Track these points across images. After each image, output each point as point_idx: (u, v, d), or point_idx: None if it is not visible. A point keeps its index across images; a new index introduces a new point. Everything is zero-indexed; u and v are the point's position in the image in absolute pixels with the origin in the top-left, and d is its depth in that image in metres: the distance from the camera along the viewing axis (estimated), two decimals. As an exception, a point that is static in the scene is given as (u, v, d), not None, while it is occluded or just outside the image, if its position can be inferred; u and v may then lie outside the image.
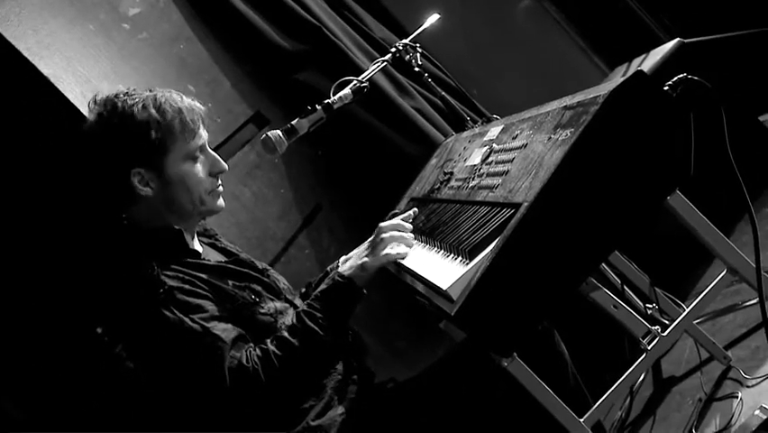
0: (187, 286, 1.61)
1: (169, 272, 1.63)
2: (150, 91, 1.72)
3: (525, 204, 1.40)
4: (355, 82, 2.14)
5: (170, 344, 1.57)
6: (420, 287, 1.66)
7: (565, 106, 1.54)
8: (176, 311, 1.57)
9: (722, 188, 1.74)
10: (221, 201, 1.80)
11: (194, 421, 1.65)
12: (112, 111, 1.68)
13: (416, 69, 2.36)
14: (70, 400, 2.37)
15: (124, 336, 1.69)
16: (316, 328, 1.62)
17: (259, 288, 1.77)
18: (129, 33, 2.57)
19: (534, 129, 1.63)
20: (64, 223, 2.37)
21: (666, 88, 1.45)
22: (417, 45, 2.36)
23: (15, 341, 2.36)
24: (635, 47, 3.20)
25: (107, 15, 2.57)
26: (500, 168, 1.67)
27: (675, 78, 1.46)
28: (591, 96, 1.45)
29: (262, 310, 1.71)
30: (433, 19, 2.45)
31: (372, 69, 2.25)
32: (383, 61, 2.29)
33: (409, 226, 1.82)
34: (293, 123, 1.99)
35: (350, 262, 1.77)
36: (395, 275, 1.84)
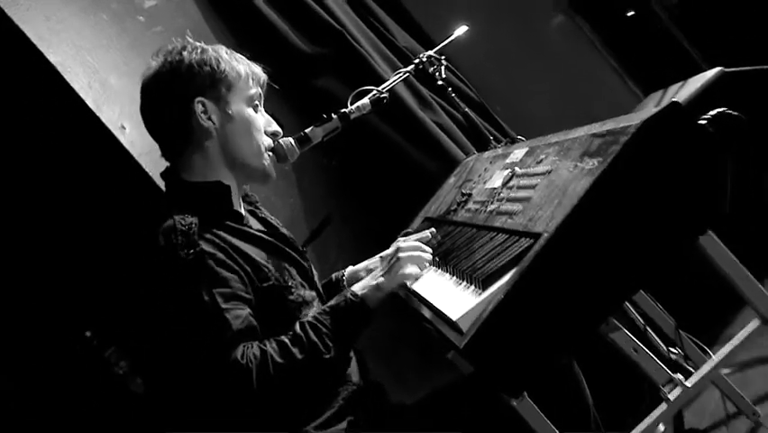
0: (220, 255, 1.60)
1: (207, 234, 1.63)
2: (209, 46, 1.81)
3: (546, 235, 1.38)
4: (375, 92, 2.14)
5: (178, 312, 1.56)
6: (428, 313, 1.64)
7: (594, 134, 1.53)
8: (198, 280, 1.56)
9: (758, 228, 1.72)
10: (273, 169, 1.85)
11: (181, 405, 1.67)
12: (180, 51, 1.75)
13: (440, 82, 2.36)
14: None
15: (142, 286, 1.71)
16: (320, 345, 1.59)
17: (294, 270, 1.78)
18: (144, 26, 2.60)
19: (561, 155, 1.62)
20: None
21: (703, 122, 1.43)
22: (442, 57, 2.36)
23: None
24: (672, 73, 3.18)
25: (121, 6, 2.60)
26: (522, 193, 1.66)
27: (714, 112, 1.44)
28: (622, 125, 1.43)
29: (291, 297, 1.71)
30: (461, 31, 2.45)
31: (394, 80, 2.25)
32: (405, 72, 2.29)
33: (429, 250, 1.82)
34: (307, 131, 1.98)
35: (363, 281, 1.76)
36: (403, 299, 1.83)
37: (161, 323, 1.64)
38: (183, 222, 1.62)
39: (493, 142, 2.39)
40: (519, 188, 1.71)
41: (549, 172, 1.60)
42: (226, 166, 1.78)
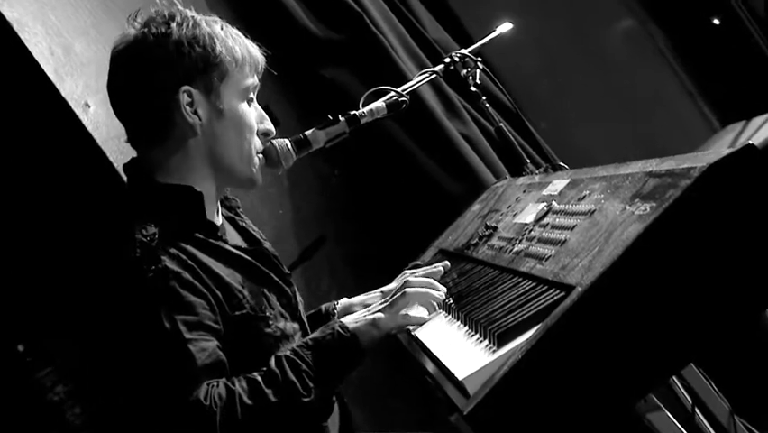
0: (186, 274, 1.61)
1: (172, 249, 1.63)
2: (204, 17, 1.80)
3: (579, 289, 1.39)
4: (393, 94, 2.16)
5: (134, 339, 1.58)
6: (431, 367, 1.65)
7: (650, 172, 1.54)
8: (158, 303, 1.56)
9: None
10: (260, 175, 1.87)
11: None
12: (167, 20, 1.74)
13: (473, 88, 2.38)
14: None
15: (95, 299, 1.73)
16: (298, 385, 1.59)
17: (274, 297, 1.79)
18: (121, -17, 2.64)
19: (608, 193, 1.63)
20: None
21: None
22: (479, 59, 2.38)
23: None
24: (759, 102, 3.19)
25: (97, -40, 2.64)
26: (556, 234, 1.67)
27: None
28: (685, 165, 1.44)
29: (268, 329, 1.73)
30: (504, 28, 2.48)
31: (418, 81, 2.28)
32: (433, 72, 2.32)
33: (443, 289, 1.83)
34: (307, 133, 2.01)
35: (357, 314, 1.77)
36: (404, 345, 1.84)
37: (114, 347, 1.65)
38: (145, 232, 1.63)
39: (530, 166, 2.40)
40: (554, 227, 1.73)
41: (591, 213, 1.61)
42: (209, 167, 1.79)
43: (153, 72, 1.72)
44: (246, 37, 1.84)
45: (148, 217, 1.67)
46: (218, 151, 1.78)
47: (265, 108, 2.42)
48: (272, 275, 1.83)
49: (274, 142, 1.98)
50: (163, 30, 1.72)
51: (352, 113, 2.08)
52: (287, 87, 2.80)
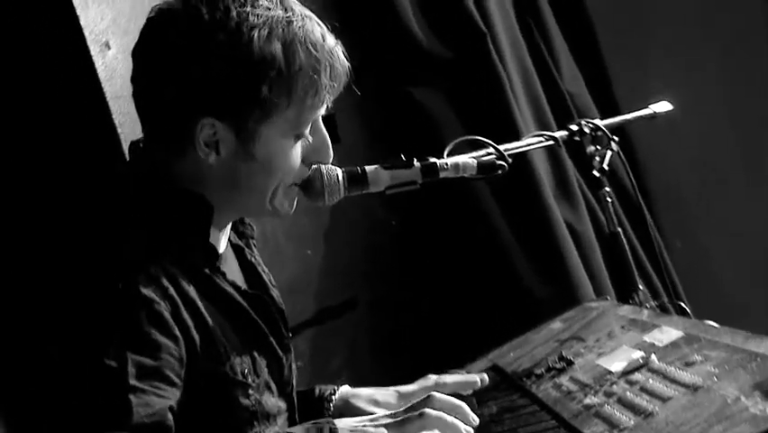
0: (160, 306, 1.64)
1: (153, 269, 1.67)
2: (283, 5, 1.77)
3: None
4: (492, 151, 2.20)
5: (71, 363, 1.61)
6: None
7: (788, 363, 1.57)
8: (112, 329, 1.59)
9: None
10: (292, 205, 1.92)
11: None
12: (220, 19, 1.72)
13: (597, 173, 2.40)
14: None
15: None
16: None
17: (264, 362, 1.83)
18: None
19: (724, 369, 1.64)
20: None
21: None
22: (615, 138, 2.41)
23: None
24: None
25: None
26: (644, 401, 1.68)
27: None
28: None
29: (245, 400, 1.76)
30: (661, 108, 2.50)
31: (530, 143, 2.30)
32: (552, 139, 2.34)
33: (474, 422, 1.85)
34: (367, 169, 2.02)
35: (355, 420, 1.78)
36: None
37: (47, 367, 1.72)
38: (132, 247, 1.69)
39: (642, 294, 2.41)
40: (645, 390, 1.73)
41: (696, 388, 1.61)
42: (224, 197, 1.83)
43: (183, 71, 1.73)
44: (329, 38, 1.81)
45: (142, 219, 1.74)
46: (235, 191, 1.83)
47: (328, 118, 2.49)
48: (268, 333, 1.87)
49: (323, 167, 2.02)
50: (234, 20, 1.71)
51: (432, 161, 2.09)
52: (364, 96, 2.87)
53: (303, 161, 1.88)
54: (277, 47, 1.73)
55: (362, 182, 2.05)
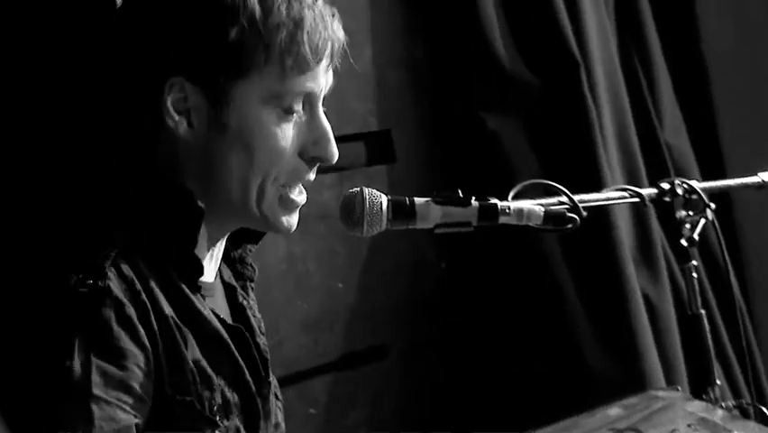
0: (130, 310, 1.63)
1: (125, 267, 1.66)
2: None
3: None
4: (566, 201, 2.16)
5: (27, 367, 1.59)
6: None
7: None
8: (76, 330, 1.59)
9: None
10: (292, 219, 1.85)
11: None
12: None
13: (685, 243, 2.36)
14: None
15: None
16: None
17: (236, 405, 1.81)
18: None
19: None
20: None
21: None
22: (712, 205, 2.36)
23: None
24: None
25: None
26: None
27: None
28: None
29: None
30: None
31: (611, 198, 2.25)
32: (638, 196, 2.30)
33: None
34: (417, 201, 1.99)
35: None
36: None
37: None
38: (105, 241, 1.66)
39: (718, 390, 2.37)
40: None
41: None
42: (201, 188, 1.79)
43: (153, 21, 1.75)
44: (320, 3, 1.79)
45: (119, 213, 1.73)
46: (214, 182, 1.79)
47: (383, 134, 2.48)
48: (246, 372, 1.83)
49: (365, 191, 1.99)
50: None
51: (492, 202, 2.04)
52: (428, 116, 2.85)
53: (300, 155, 1.82)
54: None
55: (409, 216, 2.00)
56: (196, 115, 1.75)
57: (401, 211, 2.00)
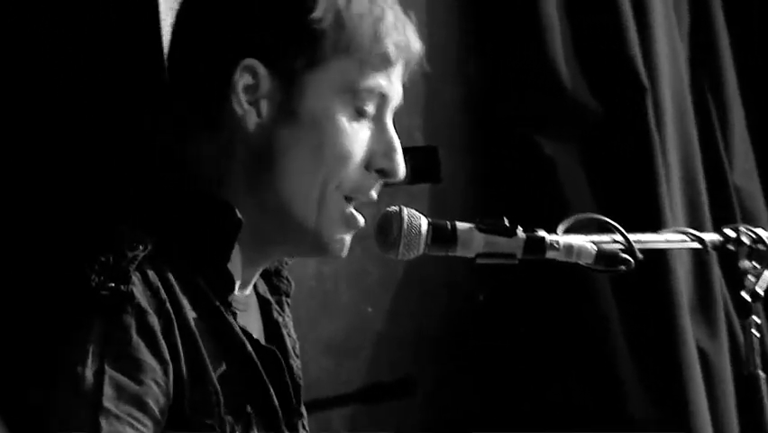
0: (153, 319, 1.64)
1: (151, 273, 1.67)
2: None
3: None
4: (621, 241, 2.15)
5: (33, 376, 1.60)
6: None
7: None
8: (98, 335, 1.59)
9: None
10: (347, 240, 1.86)
11: None
12: None
13: (747, 296, 2.34)
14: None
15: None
16: None
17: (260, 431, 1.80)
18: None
19: None
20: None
21: None
22: (777, 258, 2.35)
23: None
24: None
25: None
26: None
27: None
28: None
29: None
30: None
31: (670, 239, 2.26)
32: (699, 241, 2.28)
33: None
34: (459, 226, 1.97)
35: None
36: None
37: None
38: (133, 244, 1.66)
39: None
40: None
41: None
42: (251, 196, 1.80)
43: (224, 14, 1.77)
44: (400, 14, 1.82)
45: (148, 223, 1.72)
46: (270, 175, 1.79)
47: (430, 151, 2.47)
48: (275, 399, 1.83)
49: (405, 210, 1.99)
50: None
51: (540, 235, 2.02)
52: (478, 136, 2.86)
53: (366, 166, 1.83)
54: None
55: (450, 241, 1.99)
56: (265, 104, 1.76)
57: (441, 236, 1.98)
